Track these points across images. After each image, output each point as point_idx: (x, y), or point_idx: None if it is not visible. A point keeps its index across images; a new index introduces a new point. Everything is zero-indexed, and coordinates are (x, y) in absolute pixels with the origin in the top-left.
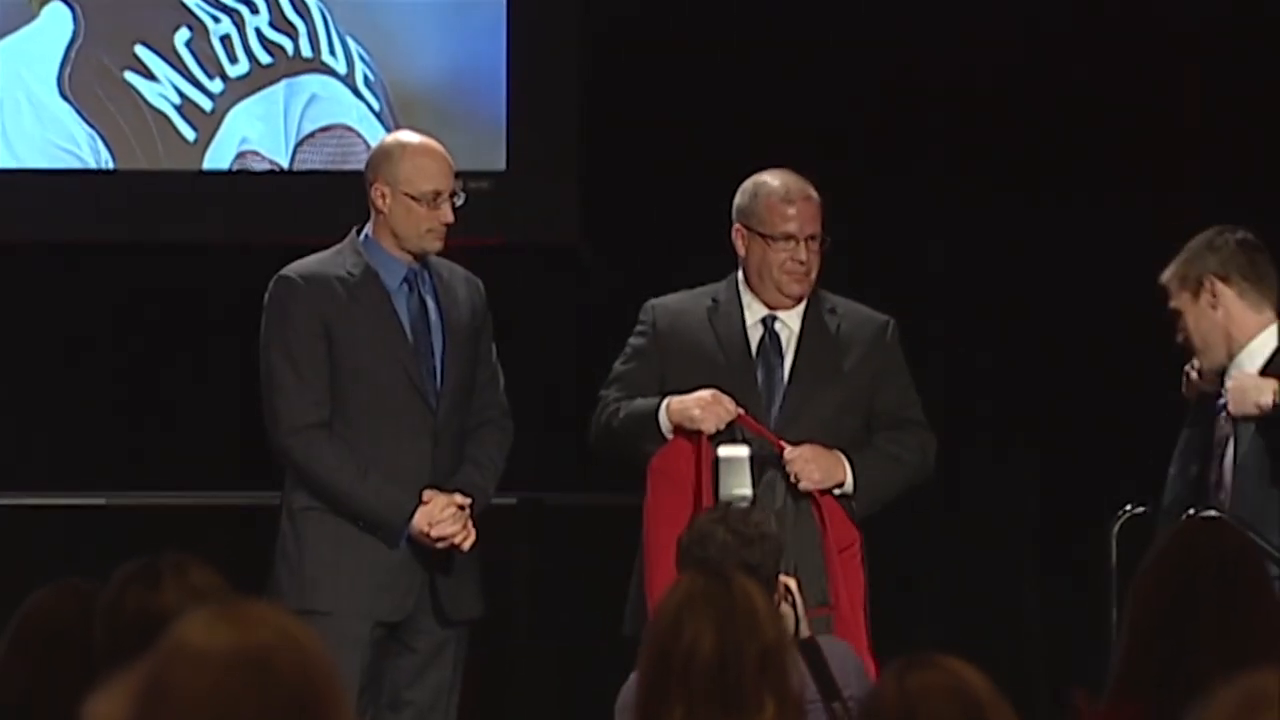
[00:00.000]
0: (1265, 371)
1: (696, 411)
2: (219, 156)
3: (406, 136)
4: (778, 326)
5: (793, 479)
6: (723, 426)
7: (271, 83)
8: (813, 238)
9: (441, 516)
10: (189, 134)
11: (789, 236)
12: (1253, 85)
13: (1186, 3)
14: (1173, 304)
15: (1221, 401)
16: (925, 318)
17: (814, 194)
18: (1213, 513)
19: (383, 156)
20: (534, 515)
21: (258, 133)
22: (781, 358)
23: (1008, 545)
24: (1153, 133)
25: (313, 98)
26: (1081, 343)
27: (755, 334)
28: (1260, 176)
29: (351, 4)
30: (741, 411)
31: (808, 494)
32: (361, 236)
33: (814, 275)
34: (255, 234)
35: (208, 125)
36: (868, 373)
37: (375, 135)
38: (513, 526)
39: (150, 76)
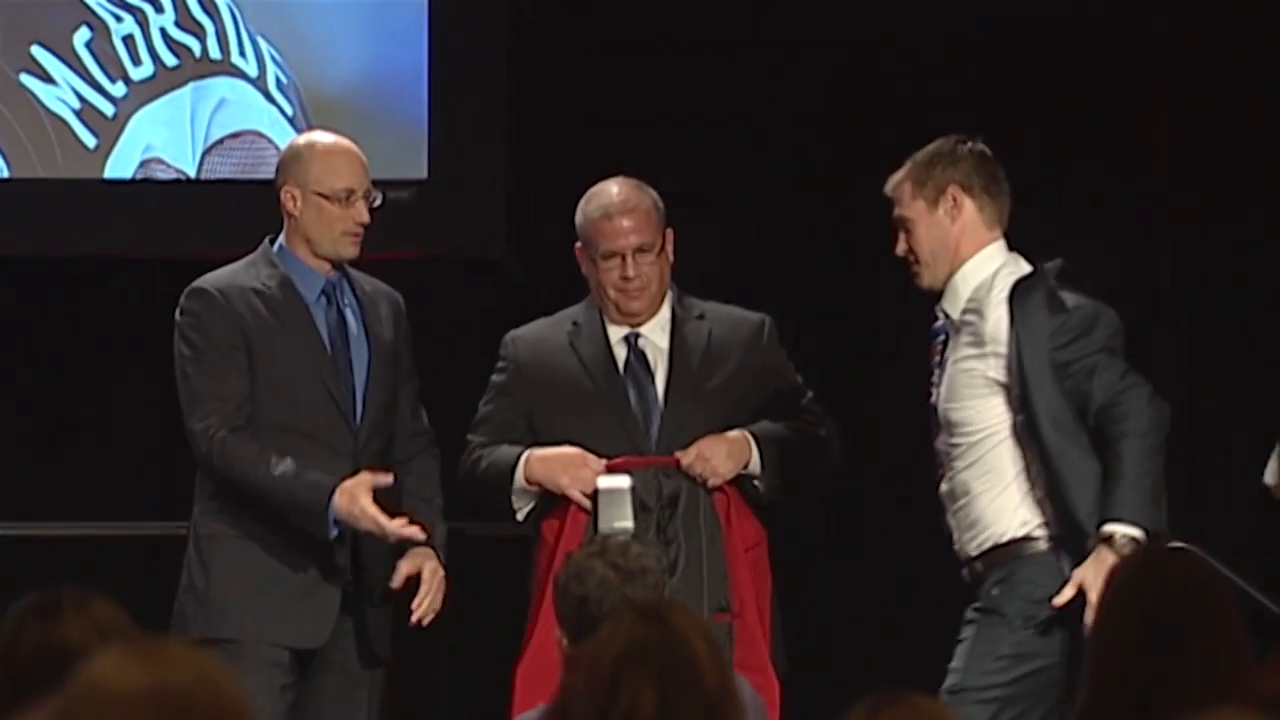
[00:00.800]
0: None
1: (564, 480)
2: (121, 165)
3: (316, 135)
4: (641, 344)
5: (699, 481)
6: (588, 491)
7: (178, 86)
8: (642, 250)
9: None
10: (89, 140)
11: (612, 254)
12: (1250, 85)
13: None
14: (902, 212)
15: (938, 325)
16: (910, 328)
17: (644, 202)
18: (1179, 544)
19: (292, 157)
20: (454, 546)
21: (163, 139)
22: (652, 376)
23: None
24: (1146, 133)
25: (222, 102)
26: None
27: (620, 352)
28: (1255, 178)
29: (263, 3)
30: (605, 464)
31: (716, 489)
32: (275, 246)
33: (656, 287)
34: (160, 247)
35: (109, 131)
36: (748, 377)
37: (287, 141)
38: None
39: (48, 79)
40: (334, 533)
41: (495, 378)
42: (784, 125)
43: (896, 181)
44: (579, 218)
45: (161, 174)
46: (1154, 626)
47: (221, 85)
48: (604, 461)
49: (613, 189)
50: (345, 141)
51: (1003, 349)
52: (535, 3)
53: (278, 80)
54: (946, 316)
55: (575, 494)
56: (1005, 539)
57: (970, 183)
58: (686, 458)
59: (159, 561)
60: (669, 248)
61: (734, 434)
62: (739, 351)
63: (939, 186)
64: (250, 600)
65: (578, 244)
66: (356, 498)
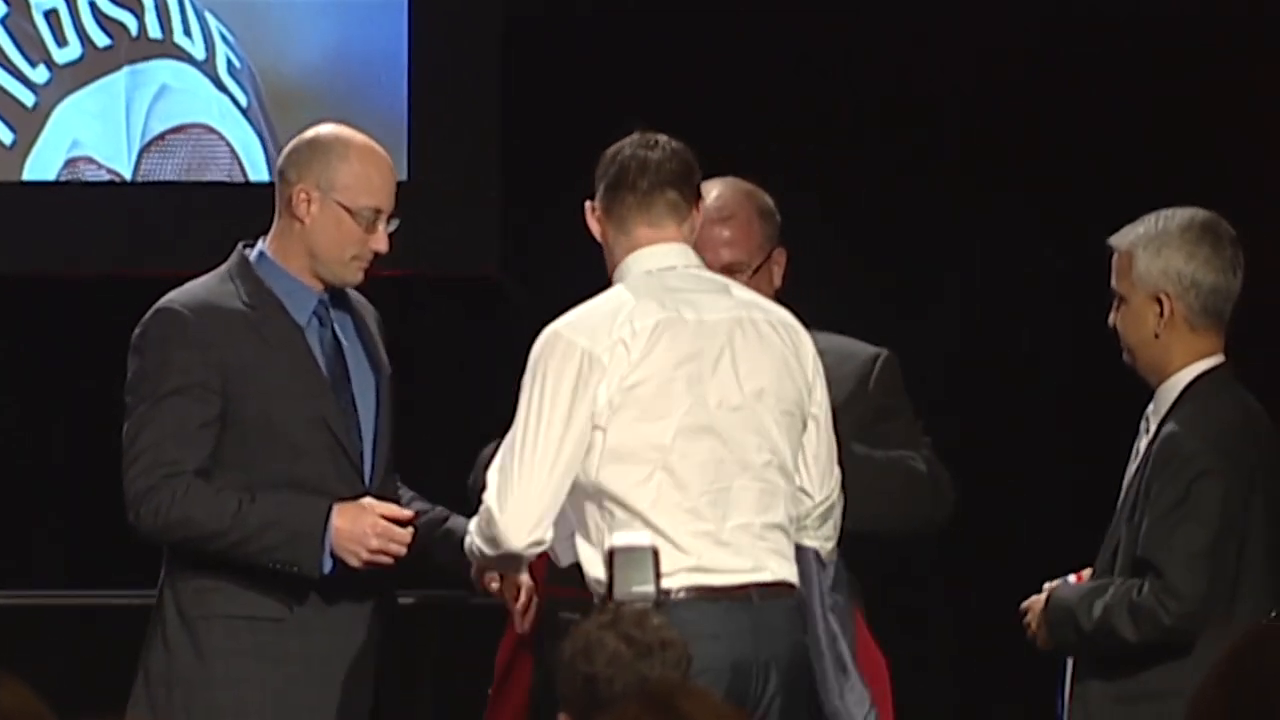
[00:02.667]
0: None
1: None
2: (44, 164)
3: (346, 132)
4: None
5: None
6: None
7: (110, 70)
8: (732, 268)
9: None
10: (5, 136)
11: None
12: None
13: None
14: None
15: None
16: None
17: (745, 211)
18: None
19: (315, 151)
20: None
21: (93, 134)
22: None
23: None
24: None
25: (163, 89)
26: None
27: None
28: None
29: None
30: None
31: None
32: (253, 257)
33: None
34: (90, 261)
35: (29, 124)
36: (852, 418)
37: (241, 136)
38: (426, 624)
39: None
40: (328, 565)
41: None
42: (796, 128)
43: None
44: None
45: (91, 175)
46: (1236, 712)
47: (162, 69)
48: None
49: (714, 191)
50: (379, 148)
51: None
52: None
53: (229, 64)
54: None
55: None
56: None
57: (601, 197)
58: None
59: (93, 635)
60: (775, 269)
61: None
62: (846, 387)
63: (588, 205)
64: (269, 693)
65: None
66: (362, 514)
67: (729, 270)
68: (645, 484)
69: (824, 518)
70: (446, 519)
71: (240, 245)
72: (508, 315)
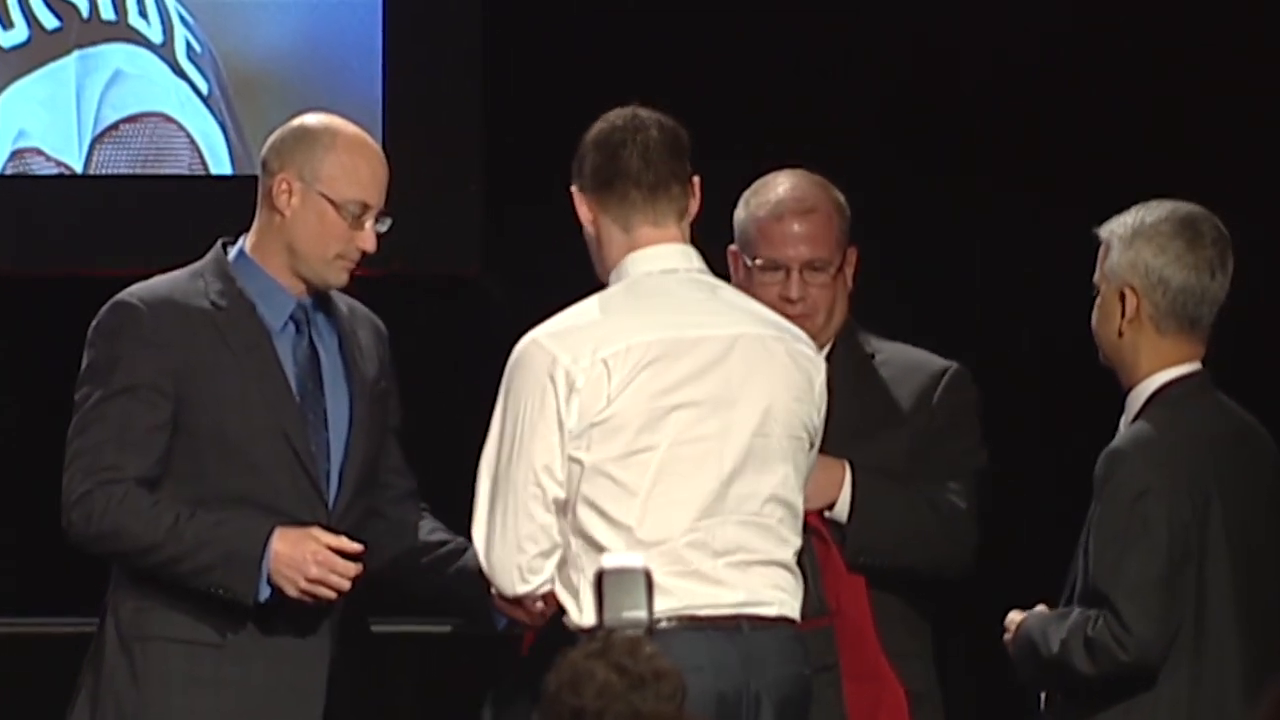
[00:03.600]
0: None
1: None
2: None
3: (336, 121)
4: None
5: None
6: None
7: (59, 55)
8: (813, 267)
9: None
10: None
11: (775, 265)
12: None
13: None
14: None
15: None
16: None
17: (825, 204)
18: None
19: (300, 139)
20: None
21: (41, 123)
22: None
23: None
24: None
25: (116, 75)
26: None
27: None
28: None
29: None
30: None
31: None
32: (232, 254)
33: (824, 317)
34: (39, 261)
35: None
36: (907, 434)
37: (202, 126)
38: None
39: None
40: (265, 593)
41: None
42: (796, 128)
43: None
44: (739, 212)
45: (39, 167)
46: None
47: (116, 54)
48: None
49: (786, 182)
50: (370, 140)
51: None
52: None
53: (189, 48)
54: None
55: None
56: None
57: (586, 184)
58: None
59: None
60: (849, 269)
61: (829, 461)
62: (907, 401)
63: (575, 193)
64: None
65: (731, 246)
66: (304, 540)
67: (810, 268)
68: (626, 518)
69: None
70: (464, 551)
71: (220, 241)
72: (489, 315)
